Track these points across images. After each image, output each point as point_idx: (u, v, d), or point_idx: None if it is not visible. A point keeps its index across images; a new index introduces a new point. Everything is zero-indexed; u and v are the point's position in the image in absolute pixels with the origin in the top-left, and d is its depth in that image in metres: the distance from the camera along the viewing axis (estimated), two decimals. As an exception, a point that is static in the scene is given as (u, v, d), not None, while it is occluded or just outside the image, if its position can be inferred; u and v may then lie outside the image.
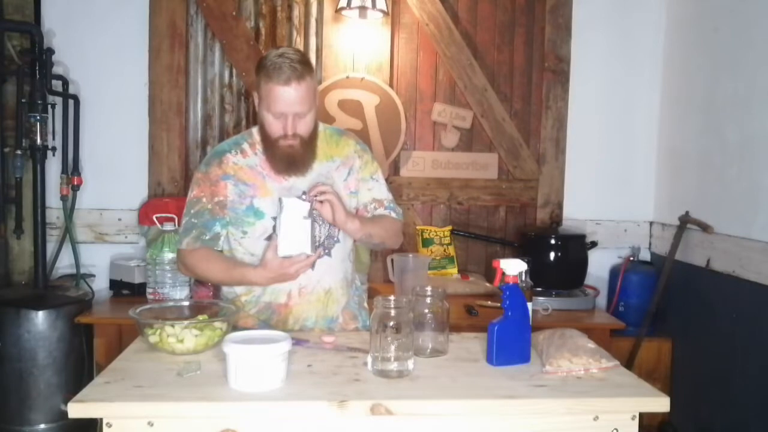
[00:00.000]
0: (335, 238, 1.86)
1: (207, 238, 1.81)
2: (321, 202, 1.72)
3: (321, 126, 1.92)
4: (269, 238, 1.79)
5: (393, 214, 1.94)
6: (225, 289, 1.93)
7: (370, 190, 1.93)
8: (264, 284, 1.79)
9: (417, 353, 1.55)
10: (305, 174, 1.82)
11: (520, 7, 3.08)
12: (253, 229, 1.81)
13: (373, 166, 1.95)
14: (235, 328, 1.69)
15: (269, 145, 1.78)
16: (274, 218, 1.78)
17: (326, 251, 1.85)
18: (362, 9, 2.85)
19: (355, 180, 1.91)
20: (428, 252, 2.98)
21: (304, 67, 1.70)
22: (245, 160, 1.84)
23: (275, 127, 1.74)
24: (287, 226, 1.68)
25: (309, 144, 1.79)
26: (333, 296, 1.87)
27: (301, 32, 3.00)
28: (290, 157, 1.77)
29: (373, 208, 1.92)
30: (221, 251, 1.87)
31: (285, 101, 1.69)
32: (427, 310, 1.61)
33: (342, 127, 2.15)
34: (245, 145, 1.86)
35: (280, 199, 1.71)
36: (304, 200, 1.70)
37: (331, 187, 1.76)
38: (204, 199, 1.82)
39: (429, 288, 1.65)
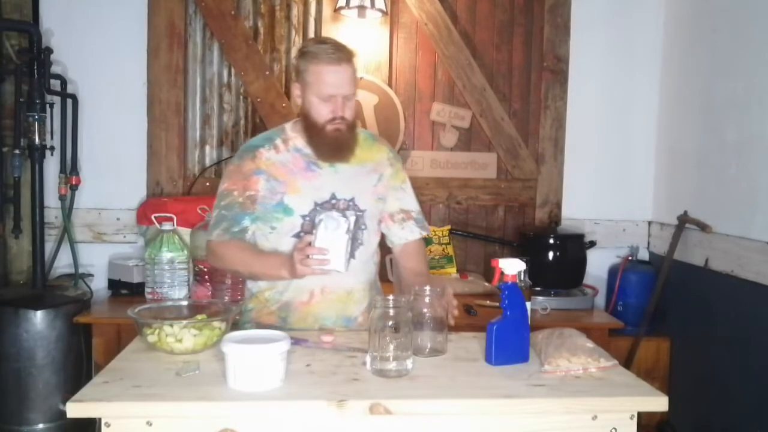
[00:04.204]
0: (359, 241, 1.86)
1: (235, 230, 1.82)
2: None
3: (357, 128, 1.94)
4: (297, 235, 1.80)
5: (423, 233, 1.97)
6: (249, 284, 1.94)
7: (399, 199, 1.95)
8: (282, 273, 1.73)
9: (416, 353, 1.55)
10: (349, 160, 1.84)
11: (519, 7, 3.08)
12: (282, 225, 1.82)
13: (403, 175, 1.98)
14: (258, 324, 1.76)
15: (316, 132, 1.79)
16: (304, 216, 1.80)
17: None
18: (361, 8, 2.85)
19: (384, 187, 1.92)
20: (427, 251, 2.98)
21: (347, 50, 1.77)
22: (278, 156, 1.84)
23: (323, 111, 1.76)
24: (324, 242, 1.63)
25: (353, 129, 1.82)
26: (354, 297, 1.87)
27: (300, 31, 2.99)
28: (338, 142, 1.79)
29: (401, 218, 1.94)
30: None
31: (334, 82, 1.73)
32: (425, 310, 1.61)
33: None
34: (278, 141, 1.86)
35: (318, 219, 1.67)
36: (341, 215, 1.66)
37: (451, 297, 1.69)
38: (235, 192, 1.83)
39: (428, 287, 1.65)
